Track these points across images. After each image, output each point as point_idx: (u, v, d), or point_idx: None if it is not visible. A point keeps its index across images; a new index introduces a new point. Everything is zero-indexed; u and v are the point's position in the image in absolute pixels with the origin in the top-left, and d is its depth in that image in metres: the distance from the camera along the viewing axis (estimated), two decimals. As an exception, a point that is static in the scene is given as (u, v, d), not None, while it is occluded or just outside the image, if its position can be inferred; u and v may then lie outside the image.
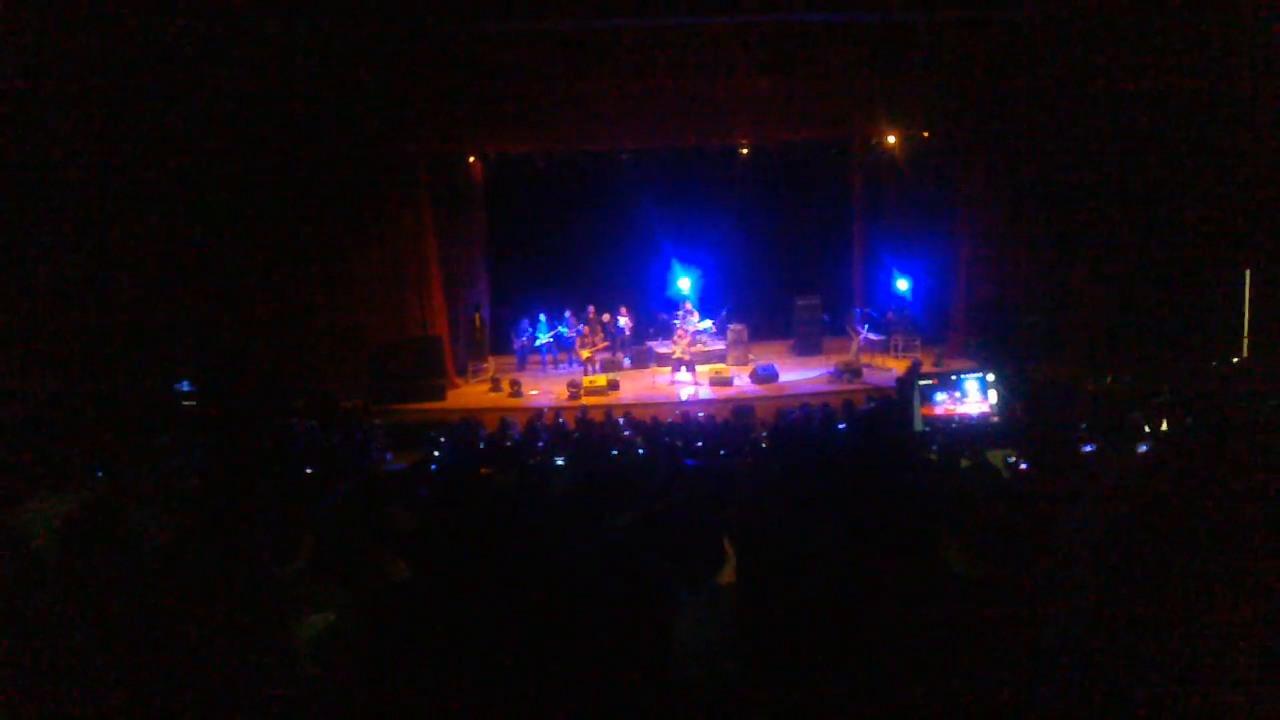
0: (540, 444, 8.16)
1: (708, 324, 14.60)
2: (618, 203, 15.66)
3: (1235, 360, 11.31)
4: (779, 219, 16.25)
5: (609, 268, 15.92)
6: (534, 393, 12.92)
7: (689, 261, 15.15)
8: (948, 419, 6.84)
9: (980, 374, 6.88)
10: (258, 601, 2.27)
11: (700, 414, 10.50)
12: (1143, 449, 5.29)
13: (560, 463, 6.06)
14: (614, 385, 12.84)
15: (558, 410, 11.31)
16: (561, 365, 14.68)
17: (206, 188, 12.07)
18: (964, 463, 4.75)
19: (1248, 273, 11.97)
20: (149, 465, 6.10)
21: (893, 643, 1.97)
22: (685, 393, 12.83)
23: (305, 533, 2.96)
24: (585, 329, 14.19)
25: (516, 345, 14.80)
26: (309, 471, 6.55)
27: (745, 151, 14.98)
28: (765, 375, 12.87)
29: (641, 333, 15.15)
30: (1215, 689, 1.62)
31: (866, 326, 13.92)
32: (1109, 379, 9.86)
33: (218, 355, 12.16)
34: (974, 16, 12.25)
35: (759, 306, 15.80)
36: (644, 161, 15.22)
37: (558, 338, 14.65)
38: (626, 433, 9.04)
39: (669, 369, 13.55)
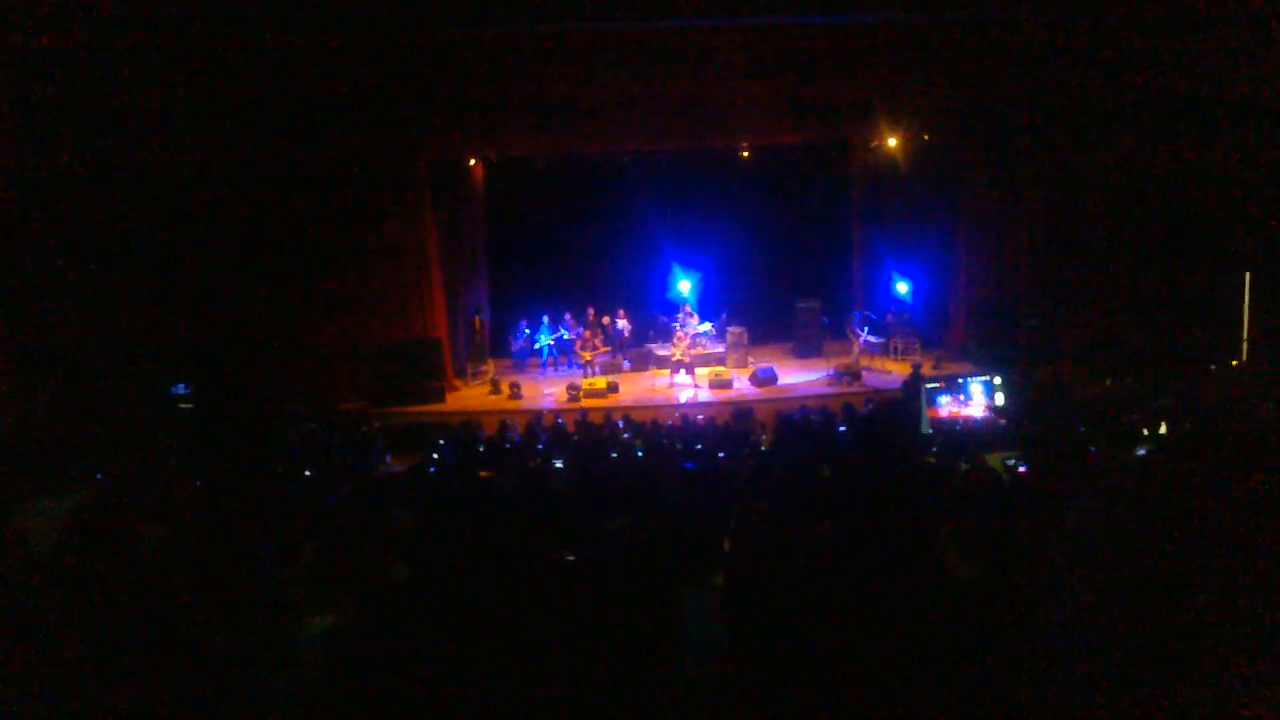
0: (540, 446, 8.16)
1: (707, 327, 14.60)
2: (618, 205, 15.67)
3: (1234, 363, 11.31)
4: (779, 221, 16.25)
5: (609, 270, 15.93)
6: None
7: (689, 264, 15.16)
8: (953, 421, 6.86)
9: (985, 377, 6.91)
10: (259, 603, 2.27)
11: (700, 416, 10.50)
12: (1141, 452, 5.29)
13: (560, 465, 6.07)
14: (613, 388, 12.84)
15: (557, 413, 11.31)
16: (561, 368, 14.68)
17: (207, 190, 12.08)
18: (963, 466, 4.76)
19: (1247, 276, 11.97)
20: (148, 467, 6.11)
21: (891, 644, 1.97)
22: (685, 395, 12.83)
23: (307, 535, 2.97)
24: (586, 332, 14.20)
25: (514, 348, 14.80)
26: (309, 474, 6.55)
27: (746, 154, 14.99)
28: (765, 378, 12.87)
29: (641, 335, 15.15)
30: (1216, 690, 1.62)
31: (866, 329, 13.93)
32: (1108, 382, 9.87)
33: (217, 358, 12.16)
34: (974, 19, 12.26)
35: (759, 309, 15.78)
36: (644, 164, 15.24)
37: (558, 340, 14.66)
38: (626, 435, 9.04)
39: (669, 371, 13.55)
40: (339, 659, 2.10)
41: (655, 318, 15.23)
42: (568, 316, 14.71)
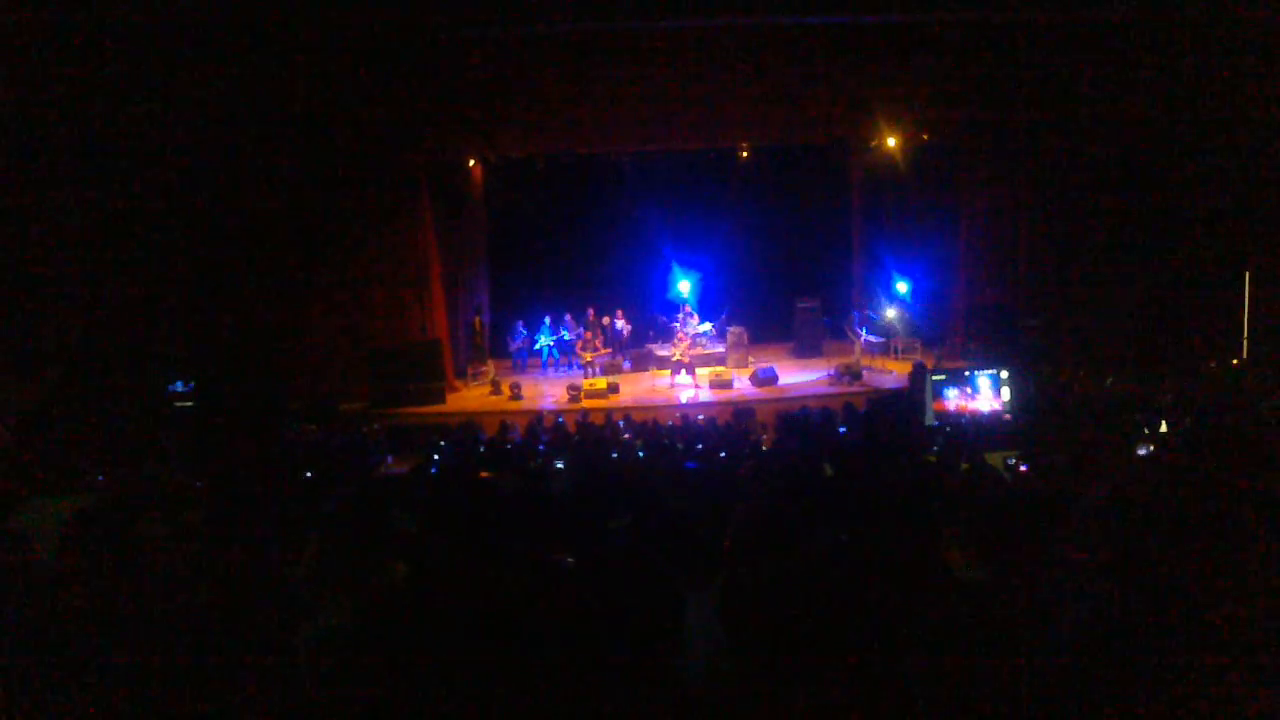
0: (540, 447, 8.15)
1: (707, 327, 14.61)
2: (618, 205, 15.69)
3: (1235, 362, 11.31)
4: (779, 222, 16.27)
5: (609, 270, 15.94)
6: (548, 392, 12.92)
7: (689, 264, 15.16)
8: (959, 415, 6.85)
9: (993, 371, 6.89)
10: (260, 605, 2.27)
11: (700, 416, 10.50)
12: (1143, 451, 5.30)
13: (560, 465, 6.06)
14: (614, 388, 12.84)
15: (558, 413, 11.30)
16: (561, 368, 14.68)
17: (206, 191, 12.08)
18: (963, 466, 4.76)
19: (1247, 274, 11.97)
20: (149, 468, 6.11)
21: (893, 646, 1.96)
22: (685, 395, 12.83)
23: (307, 536, 2.96)
24: (586, 333, 14.20)
25: (512, 348, 14.81)
26: (309, 475, 6.54)
27: (745, 154, 15.00)
28: (765, 378, 12.87)
29: (641, 336, 15.15)
30: (1219, 690, 1.62)
31: (865, 329, 13.93)
32: (1109, 381, 9.87)
33: (217, 359, 12.16)
34: (974, 19, 12.25)
35: (759, 309, 15.80)
36: (644, 164, 15.25)
37: (558, 341, 14.66)
38: (627, 435, 9.04)
39: (669, 372, 13.55)
40: (339, 660, 2.10)
41: (655, 318, 15.24)
42: (568, 317, 14.71)
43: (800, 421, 8.57)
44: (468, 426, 9.86)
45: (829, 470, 4.82)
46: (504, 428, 9.36)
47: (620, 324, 14.88)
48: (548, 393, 13.16)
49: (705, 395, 12.72)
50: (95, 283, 11.01)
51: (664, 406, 12.10)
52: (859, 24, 12.34)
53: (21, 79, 9.60)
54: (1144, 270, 12.91)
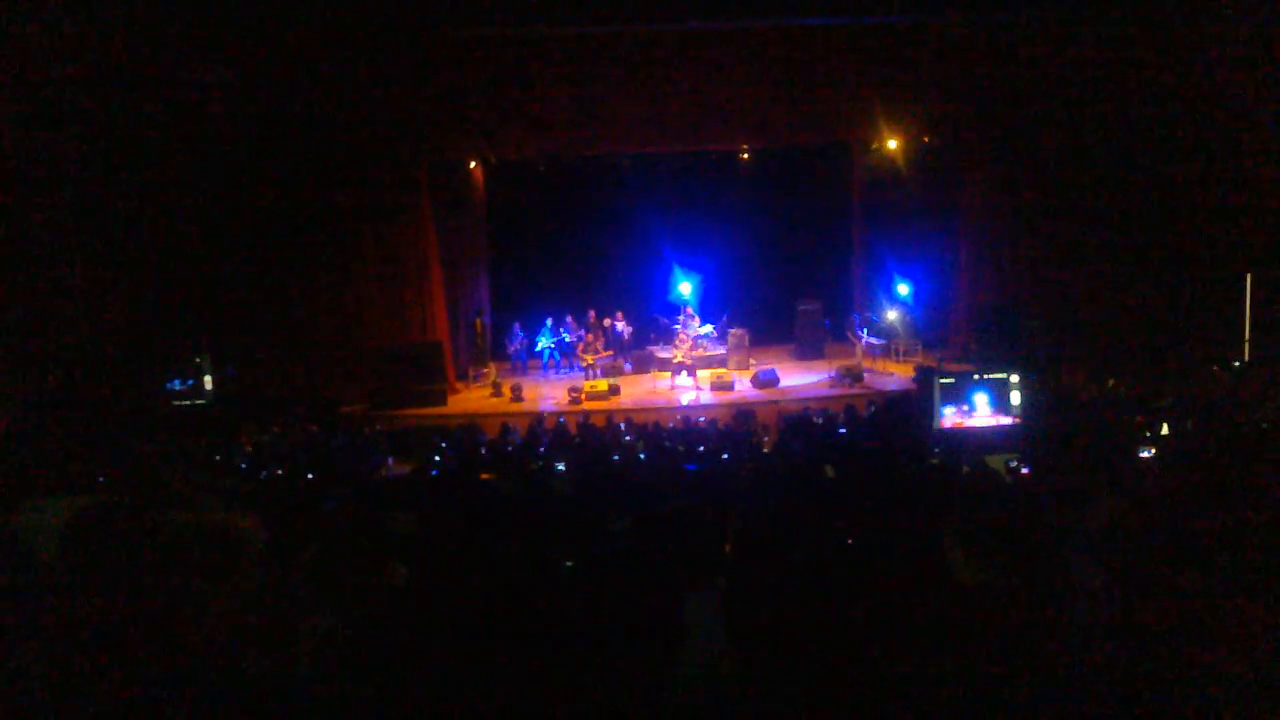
0: (541, 449, 8.15)
1: (709, 329, 14.59)
2: (619, 207, 15.69)
3: (1236, 364, 11.30)
4: (780, 223, 16.26)
5: (610, 272, 15.94)
6: (549, 394, 12.92)
7: (690, 266, 15.15)
8: (955, 430, 6.81)
9: (995, 379, 6.85)
10: (260, 606, 2.26)
11: (701, 418, 10.49)
12: (1145, 454, 5.29)
13: (562, 468, 6.06)
14: (615, 390, 12.82)
15: (559, 415, 11.29)
16: (562, 370, 14.68)
17: (207, 192, 12.09)
18: (964, 469, 4.76)
19: (1249, 276, 11.96)
20: (150, 467, 6.10)
21: (895, 649, 1.96)
22: (686, 397, 12.82)
23: (308, 538, 2.95)
24: (587, 334, 14.20)
25: (510, 350, 14.81)
26: (310, 477, 6.55)
27: (746, 156, 15.00)
28: (766, 380, 12.86)
29: (642, 338, 15.15)
30: (1221, 691, 1.61)
31: (866, 331, 13.92)
32: (1110, 383, 9.86)
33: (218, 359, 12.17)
34: (974, 20, 12.27)
35: (760, 311, 15.78)
36: (645, 166, 15.25)
37: (559, 343, 14.66)
38: (628, 438, 9.03)
39: (670, 374, 13.54)
40: (339, 661, 2.09)
41: (656, 320, 15.23)
42: (569, 319, 14.71)
43: (802, 423, 8.57)
44: (468, 428, 9.86)
45: (830, 472, 4.82)
46: (505, 430, 9.36)
47: (621, 326, 14.87)
48: (549, 395, 13.15)
49: (706, 397, 12.71)
50: (95, 282, 11.02)
51: (665, 408, 12.09)
52: (860, 25, 12.37)
53: (22, 79, 9.61)
54: (1146, 272, 12.91)
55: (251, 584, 2.22)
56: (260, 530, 2.31)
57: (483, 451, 8.34)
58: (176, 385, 11.07)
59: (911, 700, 1.83)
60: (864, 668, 1.97)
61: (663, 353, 14.44)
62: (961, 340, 14.01)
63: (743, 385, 13.08)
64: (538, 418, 11.06)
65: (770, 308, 15.93)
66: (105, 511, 2.52)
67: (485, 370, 14.35)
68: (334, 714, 1.93)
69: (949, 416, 6.83)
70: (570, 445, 8.45)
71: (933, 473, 4.90)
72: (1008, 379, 6.83)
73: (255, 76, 11.65)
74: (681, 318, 14.27)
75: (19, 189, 9.98)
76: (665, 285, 15.34)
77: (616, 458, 7.28)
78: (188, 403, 11.03)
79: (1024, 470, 5.09)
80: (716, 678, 2.23)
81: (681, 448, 7.84)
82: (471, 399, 13.39)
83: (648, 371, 14.48)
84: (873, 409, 9.78)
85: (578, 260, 16.01)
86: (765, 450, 7.89)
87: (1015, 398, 6.79)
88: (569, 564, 2.85)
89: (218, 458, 7.86)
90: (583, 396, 12.47)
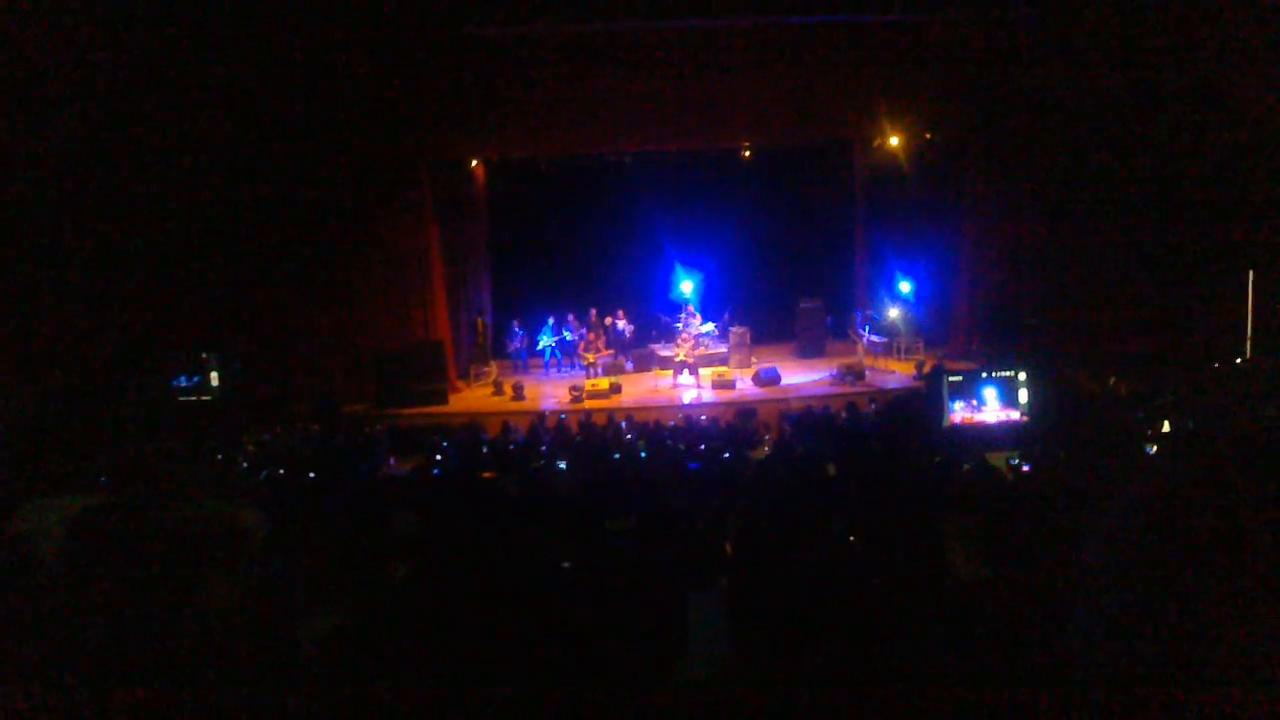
0: (543, 448, 8.15)
1: (710, 327, 14.59)
2: (620, 206, 15.69)
3: (1238, 361, 11.27)
4: (781, 221, 16.26)
5: (611, 271, 15.94)
6: (550, 393, 12.92)
7: (691, 264, 15.15)
8: (965, 427, 6.80)
9: (1003, 376, 6.83)
10: (262, 605, 2.26)
11: (703, 417, 10.49)
12: (1150, 450, 5.27)
13: (563, 466, 6.06)
14: (616, 389, 12.83)
15: (560, 414, 11.30)
16: (564, 369, 14.68)
17: (208, 192, 12.09)
18: (965, 467, 4.74)
19: (1251, 273, 11.93)
20: (151, 467, 6.09)
21: (897, 647, 1.96)
22: (688, 396, 12.82)
23: (309, 538, 2.96)
24: (589, 333, 14.20)
25: (510, 349, 14.81)
26: (312, 476, 6.54)
27: (747, 154, 14.99)
28: (768, 378, 12.85)
29: (644, 336, 15.14)
30: (1223, 691, 1.61)
31: (868, 329, 13.91)
32: (1112, 380, 9.84)
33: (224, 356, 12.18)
34: (975, 19, 12.25)
35: (761, 309, 15.79)
36: (646, 164, 15.25)
37: (560, 341, 14.66)
38: (629, 436, 9.03)
39: (671, 372, 13.55)
40: (339, 660, 2.09)
41: (658, 318, 15.24)
42: (570, 317, 14.71)
43: (805, 421, 8.56)
44: (470, 427, 9.86)
45: (832, 470, 4.82)
46: (506, 428, 9.37)
47: (622, 324, 14.87)
48: (550, 393, 13.16)
49: (708, 396, 12.71)
50: (96, 282, 11.03)
51: (666, 407, 12.09)
52: (862, 23, 12.35)
53: (22, 79, 9.62)
54: (1147, 269, 12.89)
55: (252, 579, 2.23)
56: (261, 524, 2.31)
57: (484, 450, 8.33)
58: (183, 382, 11.08)
59: (913, 698, 1.83)
60: (866, 666, 1.96)
61: (664, 351, 14.44)
62: (963, 338, 14.01)
63: (744, 383, 13.08)
64: (539, 416, 11.06)
65: (772, 306, 15.93)
66: (107, 512, 2.52)
67: (487, 369, 14.35)
68: (334, 714, 1.93)
69: (958, 412, 6.81)
70: (572, 444, 8.45)
71: (934, 470, 4.89)
72: (1016, 376, 6.81)
73: (257, 76, 11.64)
74: (683, 316, 14.27)
75: (19, 189, 9.99)
76: (666, 283, 15.34)
77: (618, 456, 7.28)
78: (194, 399, 11.04)
79: (1025, 468, 5.08)
80: (719, 676, 2.23)
81: (683, 446, 7.84)
82: (473, 398, 13.40)
83: (649, 370, 14.48)
84: (876, 407, 9.77)
85: (579, 259, 16.01)
86: (767, 448, 7.88)
87: (1023, 395, 6.77)
88: (570, 563, 2.85)
89: (220, 456, 7.85)
90: (584, 395, 12.48)
